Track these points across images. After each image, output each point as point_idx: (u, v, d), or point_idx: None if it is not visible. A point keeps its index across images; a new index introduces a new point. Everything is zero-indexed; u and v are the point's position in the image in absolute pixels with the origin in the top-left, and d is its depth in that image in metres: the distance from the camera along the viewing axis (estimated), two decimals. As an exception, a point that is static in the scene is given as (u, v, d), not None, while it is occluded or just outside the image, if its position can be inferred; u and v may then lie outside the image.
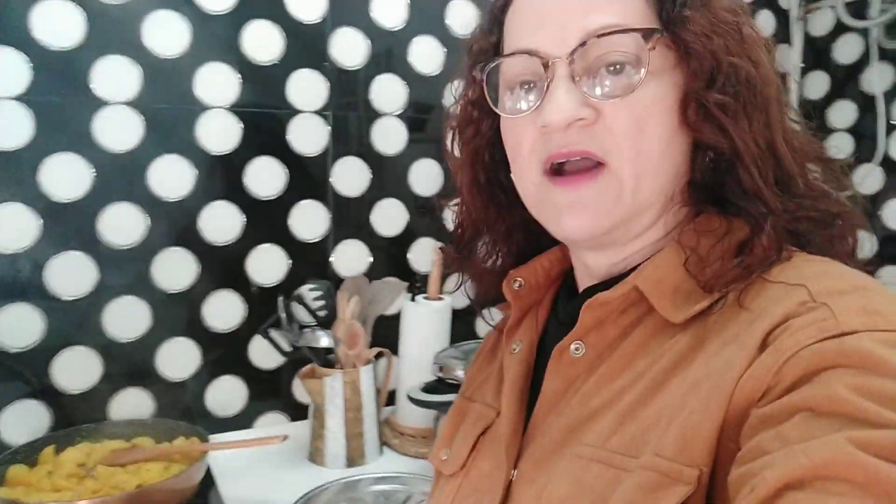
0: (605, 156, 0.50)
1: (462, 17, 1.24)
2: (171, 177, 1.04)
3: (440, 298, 1.17)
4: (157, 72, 1.01)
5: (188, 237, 1.06)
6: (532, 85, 0.53)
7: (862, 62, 1.56)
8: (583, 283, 0.60)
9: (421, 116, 1.22)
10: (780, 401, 0.40)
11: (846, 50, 1.60)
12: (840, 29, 1.58)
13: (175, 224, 1.05)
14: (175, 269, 1.05)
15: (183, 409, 1.08)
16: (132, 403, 1.05)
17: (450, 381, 0.97)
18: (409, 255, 1.25)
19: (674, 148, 0.52)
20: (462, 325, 1.23)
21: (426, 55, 1.21)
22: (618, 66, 0.50)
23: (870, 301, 0.43)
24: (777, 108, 0.53)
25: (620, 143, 0.50)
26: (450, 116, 0.64)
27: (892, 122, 1.49)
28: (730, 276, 0.49)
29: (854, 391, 0.37)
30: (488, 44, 0.58)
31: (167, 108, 1.03)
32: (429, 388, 0.97)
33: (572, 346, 0.54)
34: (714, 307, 0.49)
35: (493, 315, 0.69)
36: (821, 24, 1.64)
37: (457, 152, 0.64)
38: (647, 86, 0.50)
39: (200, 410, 1.09)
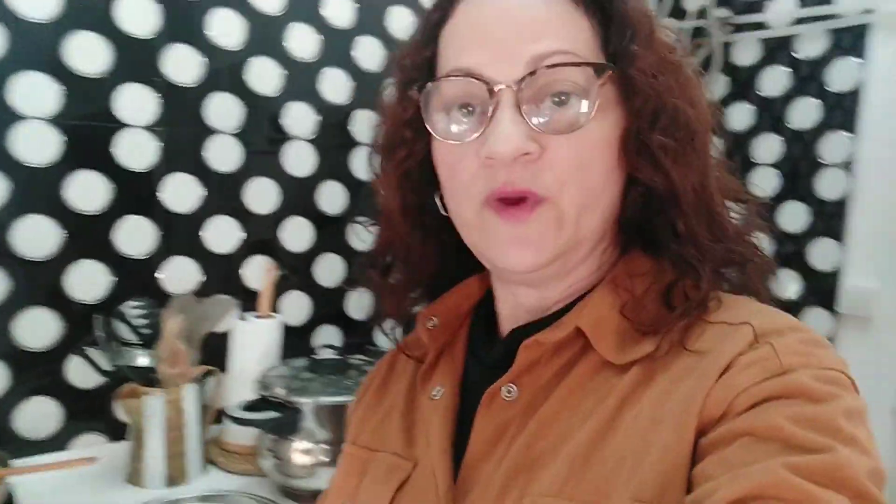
0: (548, 192, 0.49)
1: (300, 40, 1.27)
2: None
3: (271, 316, 1.19)
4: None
5: (-3, 251, 1.01)
6: (471, 108, 0.51)
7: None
8: (506, 320, 0.59)
9: (264, 136, 1.24)
10: (724, 427, 0.42)
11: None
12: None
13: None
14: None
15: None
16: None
17: (272, 399, 0.99)
18: (241, 273, 1.25)
19: (611, 184, 0.52)
20: (295, 341, 1.25)
21: (265, 75, 1.24)
22: (565, 98, 0.49)
23: (802, 341, 0.46)
24: (711, 151, 0.53)
25: (564, 180, 0.49)
26: (375, 134, 0.61)
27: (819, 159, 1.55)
28: (669, 321, 0.49)
29: (790, 420, 0.40)
30: (422, 58, 0.55)
31: None
32: (250, 407, 0.98)
33: (503, 390, 0.53)
34: (657, 348, 0.49)
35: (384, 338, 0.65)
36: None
37: (377, 170, 0.60)
38: (593, 122, 0.49)
39: (7, 434, 1.04)
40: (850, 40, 1.42)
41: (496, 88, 0.48)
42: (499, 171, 0.49)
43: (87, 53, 1.06)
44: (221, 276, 1.23)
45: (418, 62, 0.55)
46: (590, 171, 0.49)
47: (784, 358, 0.44)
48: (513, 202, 0.49)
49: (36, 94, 1.03)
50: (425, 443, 0.56)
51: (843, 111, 1.44)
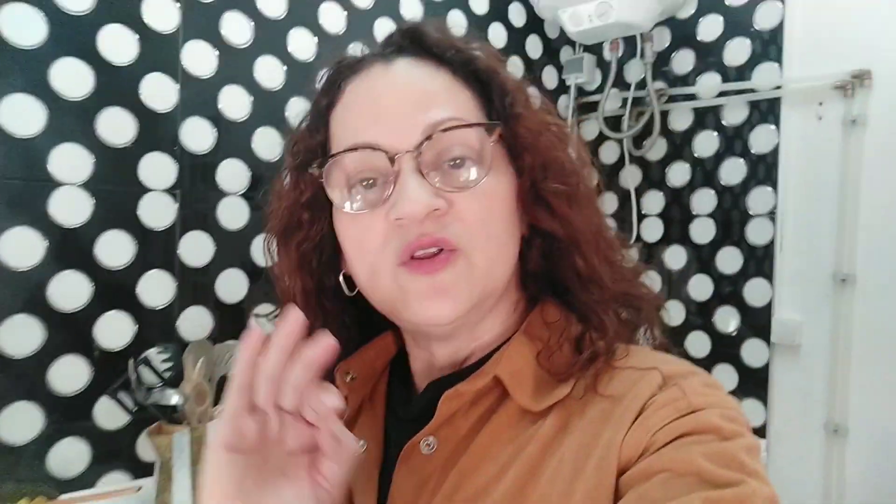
0: (459, 242, 0.50)
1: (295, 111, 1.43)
2: (23, 246, 1.10)
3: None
4: (12, 148, 1.08)
5: (35, 304, 1.11)
6: (372, 182, 0.52)
7: (619, 163, 1.96)
8: (421, 374, 0.59)
9: (259, 194, 1.38)
10: (643, 463, 0.44)
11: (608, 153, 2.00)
12: (602, 137, 1.98)
13: (22, 292, 1.10)
14: (21, 334, 1.09)
15: (22, 472, 1.10)
16: (-35, 471, 1.05)
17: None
18: (248, 320, 1.37)
19: (513, 236, 0.54)
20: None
21: (266, 143, 1.39)
22: (460, 161, 0.51)
23: (703, 383, 0.49)
24: (596, 199, 0.56)
25: (472, 231, 0.50)
26: (269, 220, 0.61)
27: (642, 211, 1.88)
28: (579, 367, 0.51)
29: (703, 456, 0.42)
30: (315, 143, 0.56)
31: (21, 182, 1.09)
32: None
33: (422, 444, 0.52)
34: (571, 392, 0.50)
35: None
36: (589, 131, 2.03)
37: (274, 256, 0.61)
38: (490, 178, 0.51)
39: (41, 473, 1.11)
40: (766, 109, 1.67)
41: (396, 156, 0.49)
42: (410, 229, 0.49)
43: (116, 127, 1.19)
44: (232, 322, 1.34)
45: (312, 146, 0.56)
46: (495, 223, 0.51)
47: (692, 398, 0.46)
48: (427, 256, 0.50)
49: (71, 161, 1.15)
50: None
51: (765, 168, 1.68)
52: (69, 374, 1.14)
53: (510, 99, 0.54)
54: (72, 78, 1.14)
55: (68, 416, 1.14)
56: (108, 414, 1.17)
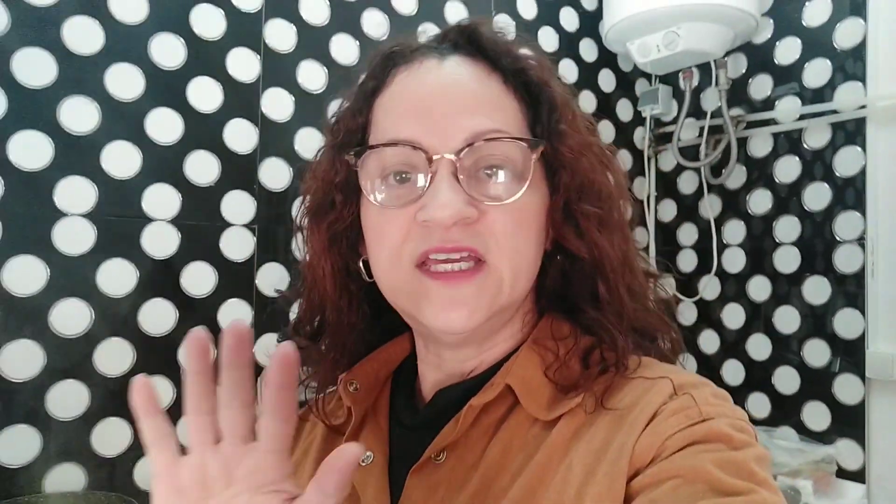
0: (487, 253, 0.50)
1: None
2: (118, 276, 1.22)
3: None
4: (112, 189, 1.22)
5: (127, 328, 1.23)
6: (406, 176, 0.51)
7: (698, 193, 1.91)
8: (428, 379, 0.59)
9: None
10: (654, 468, 0.44)
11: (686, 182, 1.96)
12: (680, 168, 1.94)
13: (116, 317, 1.22)
14: (115, 356, 1.21)
15: (114, 484, 1.20)
16: (64, 480, 1.17)
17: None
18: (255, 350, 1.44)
19: (539, 252, 0.54)
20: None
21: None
22: (497, 169, 0.50)
23: (713, 394, 0.49)
24: (628, 225, 0.56)
25: (501, 243, 0.50)
26: (304, 196, 0.61)
27: (724, 241, 1.82)
28: (590, 379, 0.51)
29: (714, 464, 0.43)
30: (356, 125, 0.56)
31: (117, 219, 1.22)
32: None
33: (433, 454, 0.52)
34: (582, 402, 0.51)
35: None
36: (667, 161, 2.00)
37: (308, 237, 0.60)
38: (525, 193, 0.50)
39: (129, 487, 1.21)
40: (852, 130, 1.59)
41: (435, 157, 0.49)
42: (434, 233, 0.49)
43: (121, 159, 1.25)
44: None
45: (352, 128, 0.56)
46: (524, 238, 0.51)
47: (703, 407, 0.47)
48: (450, 268, 0.49)
49: (161, 200, 1.27)
50: None
51: (853, 192, 1.59)
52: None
53: (557, 115, 0.54)
54: (164, 125, 1.27)
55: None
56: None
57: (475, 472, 0.50)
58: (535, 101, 0.55)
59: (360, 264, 0.58)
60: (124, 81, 1.24)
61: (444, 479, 0.51)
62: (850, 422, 1.57)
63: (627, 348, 0.53)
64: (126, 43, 1.24)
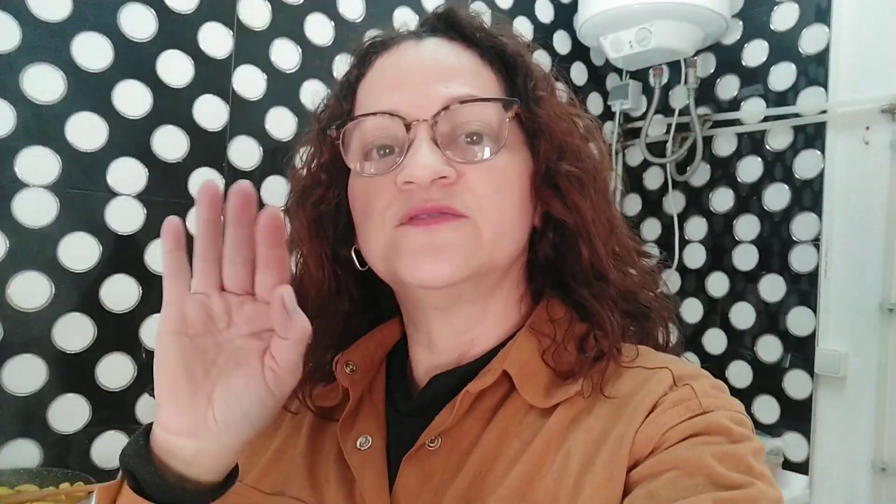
0: (467, 211, 0.50)
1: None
2: (80, 250, 1.20)
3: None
4: (76, 161, 1.19)
5: (88, 303, 1.21)
6: (389, 150, 0.52)
7: (663, 189, 1.95)
8: (421, 364, 0.58)
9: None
10: (653, 459, 0.44)
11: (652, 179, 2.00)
12: (646, 163, 1.98)
13: (78, 291, 1.20)
14: (75, 331, 1.19)
15: (69, 460, 1.18)
16: (19, 455, 1.14)
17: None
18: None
19: (524, 218, 0.53)
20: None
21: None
22: (476, 136, 0.51)
23: (712, 385, 0.50)
24: (610, 191, 0.56)
25: (482, 203, 0.50)
26: (291, 184, 0.61)
27: (685, 237, 1.86)
28: (585, 366, 0.51)
29: (714, 457, 0.43)
30: (341, 110, 0.57)
31: (81, 192, 1.20)
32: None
33: (428, 440, 0.51)
34: (580, 390, 0.50)
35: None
36: (634, 157, 2.03)
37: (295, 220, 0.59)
38: (504, 155, 0.51)
39: (86, 464, 1.20)
40: (812, 134, 1.64)
41: (413, 123, 0.50)
42: (415, 195, 0.49)
43: (87, 131, 1.21)
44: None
45: (337, 113, 0.57)
46: (505, 197, 0.51)
47: (703, 399, 0.47)
48: (428, 219, 0.49)
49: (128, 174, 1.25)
50: (341, 490, 0.53)
51: (810, 194, 1.64)
52: (116, 372, 1.23)
53: (533, 82, 0.55)
54: (132, 98, 1.25)
55: (113, 410, 1.23)
56: (151, 409, 1.25)
57: (470, 459, 0.50)
58: (513, 73, 0.56)
59: (353, 253, 0.58)
60: (92, 51, 1.21)
61: (439, 465, 0.51)
62: (797, 415, 1.63)
63: (618, 332, 0.52)
64: (96, 11, 1.21)
